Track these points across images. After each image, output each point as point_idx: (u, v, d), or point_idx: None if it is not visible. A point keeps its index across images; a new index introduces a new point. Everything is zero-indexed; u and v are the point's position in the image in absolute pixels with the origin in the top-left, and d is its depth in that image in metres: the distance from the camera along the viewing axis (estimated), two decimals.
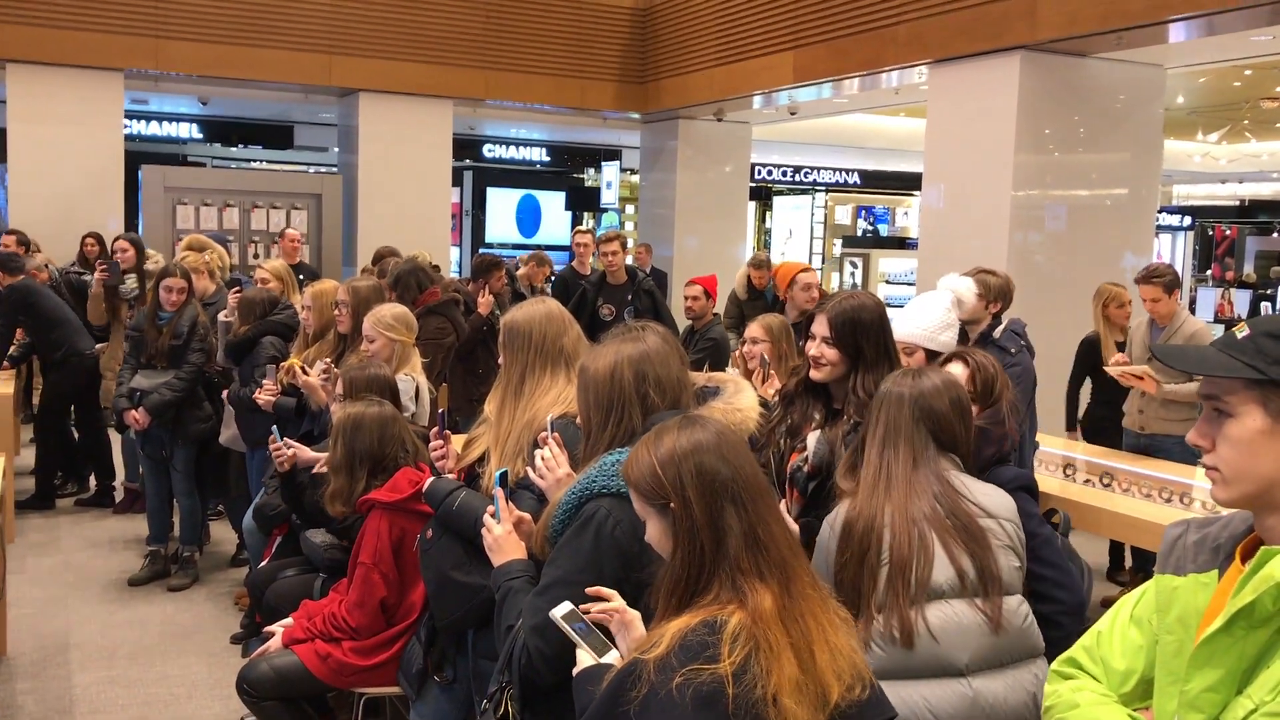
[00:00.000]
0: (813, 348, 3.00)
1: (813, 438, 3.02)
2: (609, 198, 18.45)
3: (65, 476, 7.49)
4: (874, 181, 21.23)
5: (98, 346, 7.13)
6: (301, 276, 6.87)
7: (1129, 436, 5.85)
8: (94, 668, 4.77)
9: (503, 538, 2.38)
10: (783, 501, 2.89)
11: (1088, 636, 1.74)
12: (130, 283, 6.87)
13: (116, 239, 7.36)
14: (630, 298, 7.32)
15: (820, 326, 2.99)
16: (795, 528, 2.77)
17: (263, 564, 4.45)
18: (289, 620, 3.64)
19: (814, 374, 3.01)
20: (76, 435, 7.42)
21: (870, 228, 21.08)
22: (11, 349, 7.36)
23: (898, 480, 2.47)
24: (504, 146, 19.23)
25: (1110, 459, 5.35)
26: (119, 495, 7.22)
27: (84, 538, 6.60)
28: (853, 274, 15.42)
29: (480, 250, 15.97)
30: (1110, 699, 1.64)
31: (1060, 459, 5.28)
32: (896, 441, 2.52)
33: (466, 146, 17.81)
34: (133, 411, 5.73)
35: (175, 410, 5.74)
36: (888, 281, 15.07)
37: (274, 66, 11.10)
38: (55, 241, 9.51)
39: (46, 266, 8.45)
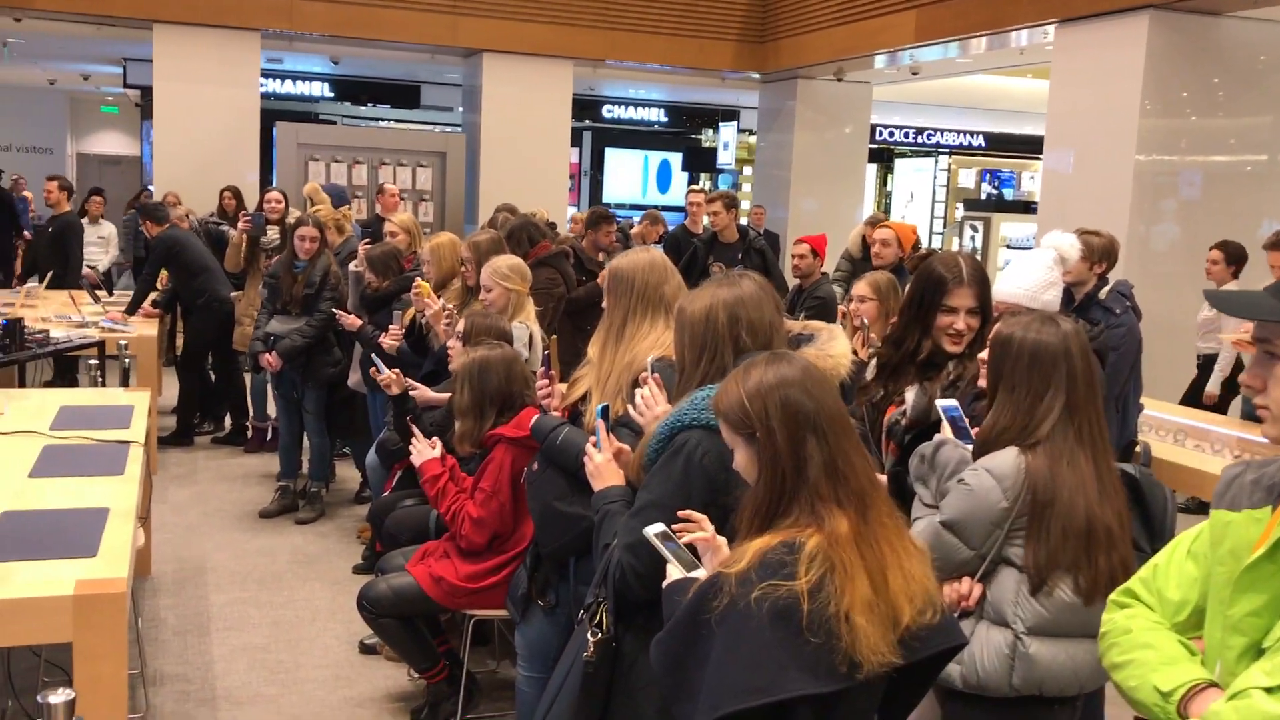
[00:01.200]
0: (959, 322, 3.03)
1: (911, 391, 3.09)
2: (725, 159, 18.44)
3: (203, 415, 7.96)
4: (999, 144, 20.75)
5: (234, 294, 7.54)
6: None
7: (1246, 404, 5.76)
8: (228, 589, 5.14)
9: (603, 465, 2.55)
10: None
11: (1145, 569, 1.81)
12: (272, 234, 7.25)
13: (268, 190, 7.75)
14: (740, 256, 7.40)
15: (964, 298, 3.03)
16: (881, 478, 2.86)
17: (384, 495, 4.74)
18: (434, 452, 3.88)
19: (953, 347, 3.05)
20: (214, 377, 7.88)
21: (994, 191, 20.63)
22: (156, 294, 7.83)
23: (1067, 436, 2.44)
24: (622, 107, 19.37)
25: (1217, 424, 5.28)
26: (252, 434, 7.65)
27: (219, 472, 7.04)
28: (973, 238, 15.17)
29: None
30: (1163, 625, 1.72)
31: (1169, 425, 5.22)
32: (1051, 392, 2.47)
33: (586, 107, 17.99)
34: (267, 355, 6.08)
35: (306, 354, 6.08)
36: (1009, 246, 14.79)
37: (401, 27, 11.43)
38: (195, 194, 10.02)
39: (187, 217, 8.94)
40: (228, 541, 5.77)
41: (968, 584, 2.49)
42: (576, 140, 18.31)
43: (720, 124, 18.96)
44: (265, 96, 12.31)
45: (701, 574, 2.05)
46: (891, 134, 20.19)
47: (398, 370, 4.54)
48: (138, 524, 3.56)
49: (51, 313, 7.38)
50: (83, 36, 12.38)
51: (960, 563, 2.49)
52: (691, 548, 2.13)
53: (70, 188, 9.60)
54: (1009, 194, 20.48)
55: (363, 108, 18.42)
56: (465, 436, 3.83)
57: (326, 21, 11.22)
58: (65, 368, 8.29)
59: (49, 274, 8.61)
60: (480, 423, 3.80)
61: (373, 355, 4.59)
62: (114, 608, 2.71)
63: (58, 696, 2.31)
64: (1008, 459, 2.45)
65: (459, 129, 13.93)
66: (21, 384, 6.33)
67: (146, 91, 13.48)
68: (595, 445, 2.57)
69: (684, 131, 20.70)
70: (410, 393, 4.48)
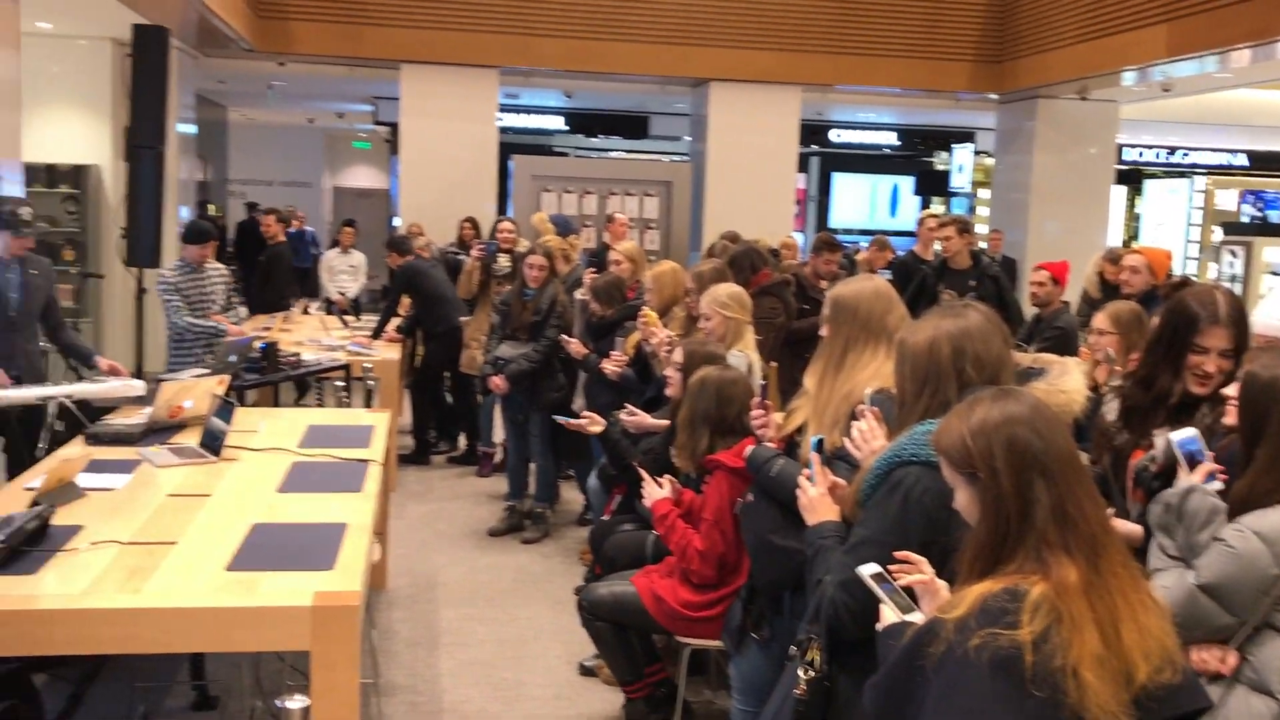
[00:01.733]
0: (1209, 363, 2.84)
1: (1161, 436, 2.90)
2: (960, 181, 17.94)
3: (439, 436, 8.35)
4: (1264, 164, 19.28)
5: (462, 319, 7.89)
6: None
7: None
8: (457, 604, 5.35)
9: (816, 499, 2.50)
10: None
11: None
12: (503, 262, 7.56)
13: (500, 220, 8.11)
14: (973, 284, 7.16)
15: (1218, 339, 2.83)
16: (1135, 529, 2.68)
17: (603, 518, 4.83)
18: (664, 491, 3.93)
19: (1199, 389, 2.86)
20: (450, 399, 8.26)
21: (1258, 214, 19.16)
22: (399, 320, 8.29)
23: None
24: (851, 131, 19.16)
25: None
26: (481, 458, 7.95)
27: (453, 491, 7.35)
28: (1231, 264, 14.12)
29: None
30: None
31: None
32: None
33: (813, 132, 17.90)
34: (495, 378, 6.33)
35: (532, 379, 6.28)
36: (1273, 273, 13.68)
37: (632, 60, 11.72)
38: (437, 224, 10.56)
39: (429, 246, 9.42)
40: (458, 558, 6.02)
41: (1223, 651, 2.30)
42: (803, 165, 18.24)
43: (954, 146, 18.46)
44: (503, 131, 12.86)
45: (918, 618, 1.98)
46: (1141, 154, 19.11)
47: (590, 414, 4.62)
48: (374, 539, 3.76)
49: (304, 337, 7.93)
50: (338, 78, 13.31)
51: (1218, 628, 2.30)
52: (909, 589, 2.06)
53: (286, 220, 10.36)
54: (1274, 216, 18.98)
55: (594, 139, 18.96)
56: (682, 450, 3.88)
57: (561, 57, 11.63)
58: (315, 387, 8.88)
59: (303, 300, 9.25)
60: (693, 439, 3.82)
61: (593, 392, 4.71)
62: (348, 619, 2.86)
63: (294, 702, 2.46)
64: (1278, 521, 2.26)
65: (686, 158, 14.12)
66: (275, 403, 6.82)
67: (394, 128, 14.35)
68: (809, 478, 2.54)
69: (915, 155, 20.27)
70: (627, 418, 4.56)
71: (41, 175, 10.01)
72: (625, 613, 3.85)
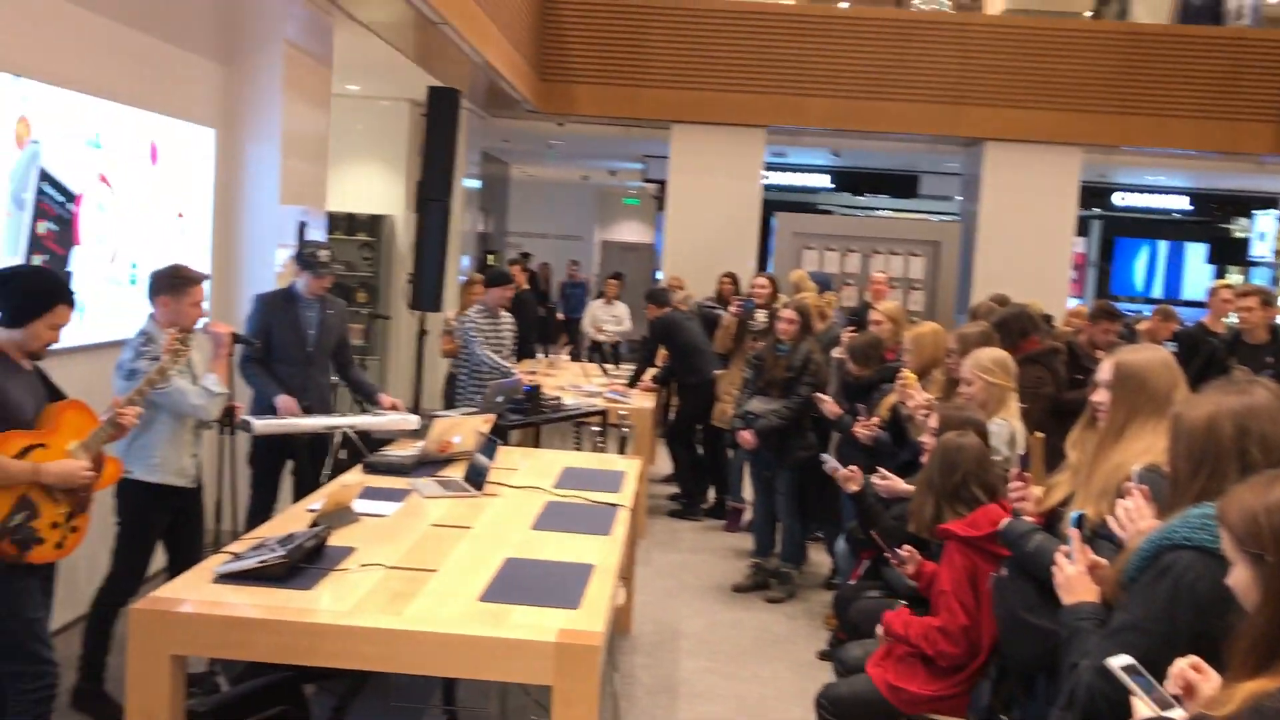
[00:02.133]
0: None
1: None
2: (1261, 250, 16.62)
3: (688, 487, 8.44)
4: None
5: (717, 372, 7.97)
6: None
7: None
8: (698, 656, 5.37)
9: (1074, 578, 2.37)
10: None
11: None
12: (761, 317, 7.62)
13: (757, 276, 8.20)
14: (1271, 360, 6.61)
15: None
16: None
17: (850, 583, 4.74)
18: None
19: None
20: (700, 451, 8.35)
21: None
22: (655, 370, 8.48)
23: None
24: (1137, 194, 18.15)
25: None
26: (729, 513, 7.98)
27: (700, 542, 7.41)
28: None
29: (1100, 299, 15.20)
30: None
31: None
32: None
33: (1094, 194, 17.09)
34: (744, 432, 6.35)
35: (781, 436, 6.26)
36: None
37: (903, 118, 11.61)
38: (697, 278, 10.76)
39: (687, 300, 9.61)
40: (702, 610, 6.05)
41: None
42: (1082, 229, 17.42)
43: (1254, 212, 17.16)
44: (767, 188, 12.99)
45: (1179, 715, 1.84)
46: None
47: (854, 467, 4.54)
48: (620, 583, 3.85)
49: (566, 382, 8.25)
50: (612, 137, 13.85)
51: None
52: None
53: (531, 271, 10.77)
54: None
55: (861, 198, 18.83)
56: (913, 513, 3.79)
57: (830, 116, 11.67)
58: (573, 431, 9.19)
59: (567, 346, 9.62)
60: (926, 503, 3.71)
61: (824, 455, 4.64)
62: (590, 658, 2.94)
63: None
64: None
65: (955, 218, 13.79)
66: (536, 444, 7.11)
67: (662, 185, 14.79)
68: (1068, 555, 2.41)
69: (1209, 220, 18.97)
70: (879, 482, 4.46)
71: (342, 223, 10.92)
72: (864, 707, 3.71)
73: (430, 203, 7.53)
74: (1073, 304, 13.11)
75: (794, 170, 17.51)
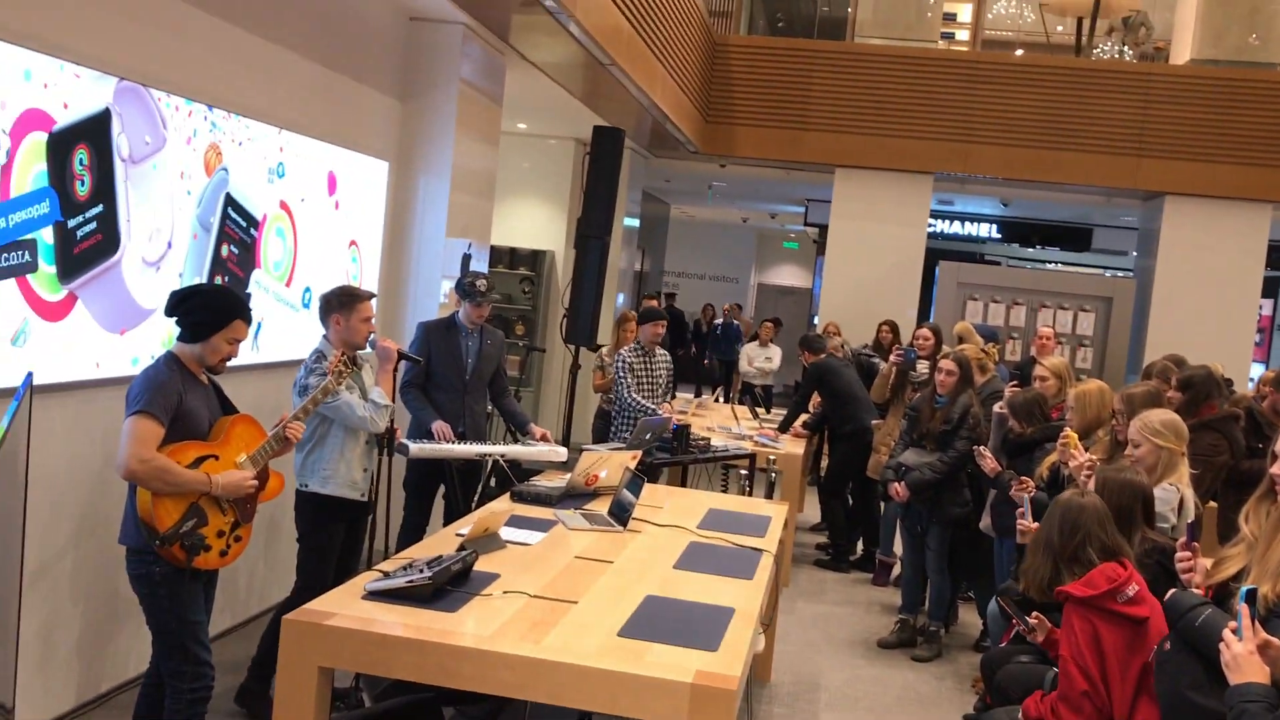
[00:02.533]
0: None
1: None
2: None
3: (837, 537, 8.30)
4: None
5: (874, 422, 7.83)
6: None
7: None
8: (838, 710, 5.26)
9: (1243, 656, 2.24)
10: None
11: None
12: (922, 368, 7.48)
13: (919, 326, 8.06)
14: None
15: None
16: None
17: (1000, 646, 4.57)
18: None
19: None
20: (851, 501, 8.21)
21: None
22: (807, 416, 8.40)
23: None
24: None
25: None
26: (877, 567, 7.81)
27: (845, 595, 7.27)
28: None
29: None
30: None
31: None
32: None
33: None
34: (896, 484, 6.22)
35: (935, 490, 6.11)
36: None
37: (1078, 169, 11.27)
38: (855, 325, 10.63)
39: (843, 346, 9.50)
40: (844, 664, 5.93)
41: None
42: (1269, 290, 16.51)
43: None
44: (932, 236, 12.79)
45: None
46: None
47: (1025, 524, 4.41)
48: (760, 629, 3.81)
49: (715, 423, 8.24)
50: (774, 180, 13.87)
51: None
52: None
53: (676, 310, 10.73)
54: None
55: (1029, 249, 18.32)
56: (1028, 575, 3.69)
57: (1001, 164, 11.42)
58: (720, 473, 9.17)
59: (719, 389, 9.62)
60: (1043, 565, 3.61)
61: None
62: (725, 703, 2.91)
63: None
64: None
65: (1129, 273, 13.28)
66: (683, 483, 7.11)
67: (823, 229, 14.70)
68: (1236, 632, 2.28)
69: None
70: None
71: (504, 257, 11.23)
72: None
73: (589, 239, 7.67)
74: (1258, 370, 12.44)
75: (960, 219, 17.18)
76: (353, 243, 6.22)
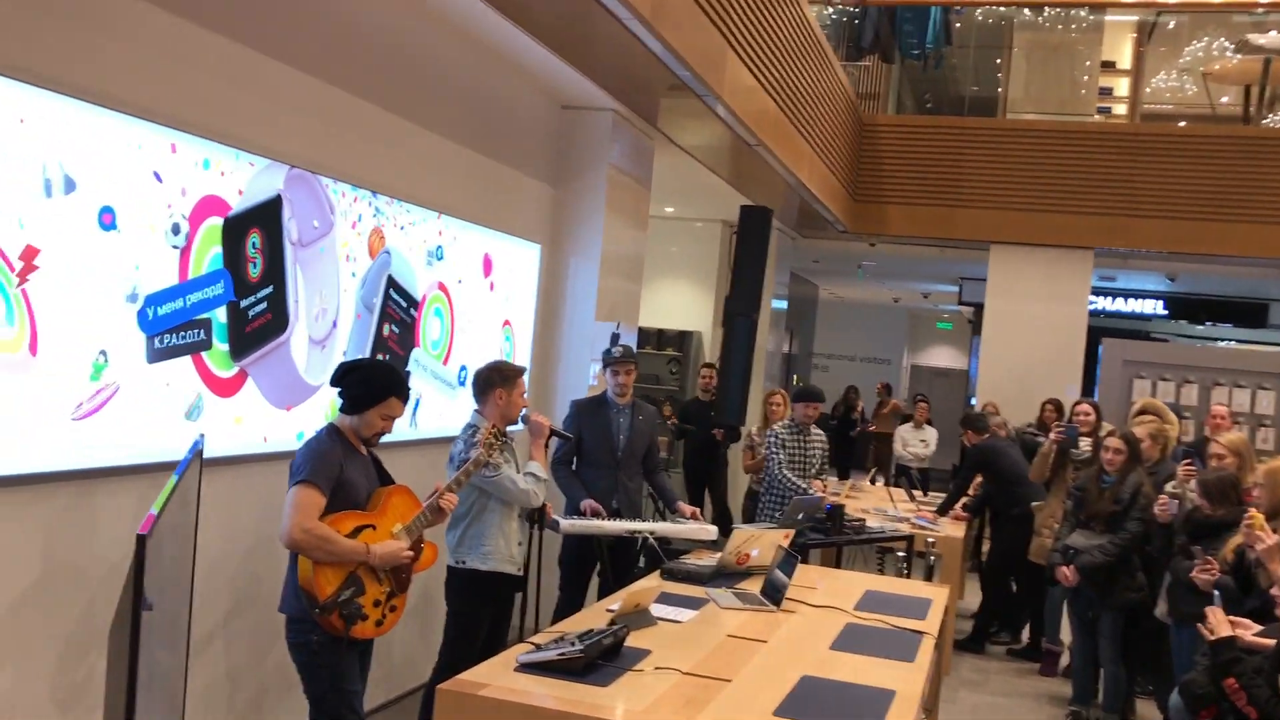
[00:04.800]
0: None
1: None
2: None
3: (1001, 625, 7.97)
4: None
5: (1033, 504, 7.51)
6: None
7: None
8: None
9: None
10: None
11: None
12: (1084, 446, 7.18)
13: (1077, 403, 7.75)
14: None
15: None
16: None
17: None
18: None
19: None
20: (1014, 587, 7.87)
21: None
22: (968, 499, 8.13)
23: None
24: None
25: None
26: (1045, 656, 7.44)
27: (1010, 686, 6.93)
28: None
29: None
30: None
31: None
32: None
33: None
34: (1064, 568, 5.94)
35: (1107, 574, 5.81)
36: None
37: (1251, 240, 10.78)
38: (1014, 405, 10.30)
39: (1006, 425, 9.20)
40: None
41: None
42: None
43: None
44: (1094, 314, 12.37)
45: None
46: None
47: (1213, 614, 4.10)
48: (922, 715, 3.65)
49: (870, 505, 8.05)
50: (926, 258, 13.68)
51: None
52: None
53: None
54: None
55: (1199, 326, 17.52)
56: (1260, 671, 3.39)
57: (1164, 239, 11.02)
58: (876, 556, 8.93)
59: (873, 471, 9.42)
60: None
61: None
62: None
63: None
64: None
65: None
66: (837, 566, 6.94)
67: (978, 308, 14.37)
68: None
69: None
70: (1242, 635, 4.02)
71: (652, 338, 11.33)
72: None
73: (737, 318, 7.69)
74: None
75: (1124, 295, 16.58)
76: (506, 322, 6.37)
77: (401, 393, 3.78)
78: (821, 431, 7.11)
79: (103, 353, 3.50)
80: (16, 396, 3.20)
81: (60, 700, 3.47)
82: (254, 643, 4.44)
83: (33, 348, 3.23)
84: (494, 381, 4.55)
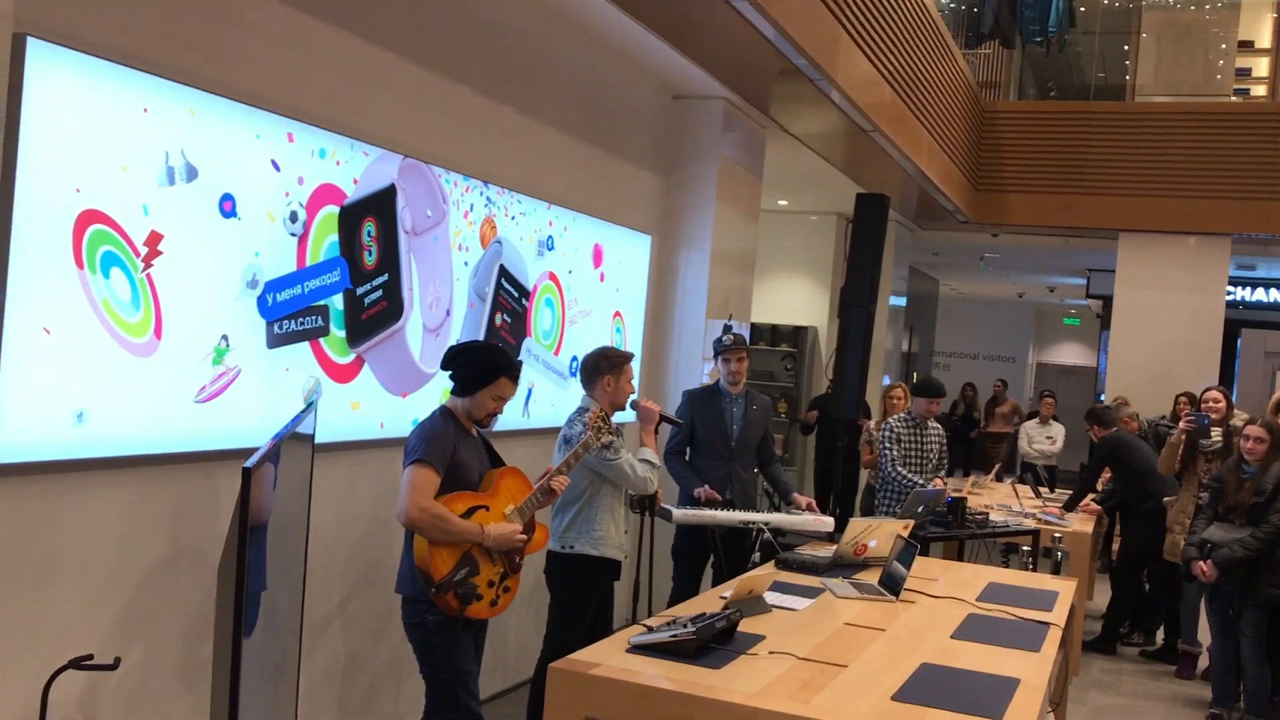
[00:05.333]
0: None
1: None
2: None
3: (1133, 625, 7.68)
4: None
5: (1165, 499, 7.21)
6: None
7: None
8: None
9: None
10: None
11: None
12: (1215, 435, 6.88)
13: (1207, 389, 7.44)
14: None
15: None
16: None
17: None
18: None
19: None
20: (1147, 586, 7.59)
21: None
22: (1096, 495, 7.86)
23: None
24: None
25: None
26: (1181, 658, 7.15)
27: (1144, 689, 6.67)
28: None
29: None
30: None
31: None
32: None
33: None
34: (1201, 564, 5.69)
35: (1248, 569, 5.55)
36: None
37: None
38: (1146, 398, 9.95)
39: (1136, 417, 8.88)
40: None
41: None
42: None
43: None
44: (1232, 304, 11.86)
45: None
46: None
47: None
48: (1049, 707, 3.53)
49: (994, 501, 7.84)
50: (1051, 249, 13.29)
51: None
52: None
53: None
54: None
55: None
56: None
57: None
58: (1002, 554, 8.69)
59: (996, 467, 9.19)
60: None
61: None
62: None
63: None
64: None
65: None
66: (959, 558, 6.78)
67: (1107, 301, 13.91)
68: None
69: None
70: None
71: (766, 334, 11.24)
72: None
73: (853, 308, 7.54)
74: None
75: (1264, 285, 15.86)
76: (617, 314, 6.38)
77: (512, 373, 3.81)
78: (940, 426, 6.93)
79: (224, 337, 3.61)
80: (143, 379, 3.32)
81: (187, 679, 3.59)
82: (370, 626, 4.52)
83: (158, 331, 3.35)
84: (602, 368, 4.57)
